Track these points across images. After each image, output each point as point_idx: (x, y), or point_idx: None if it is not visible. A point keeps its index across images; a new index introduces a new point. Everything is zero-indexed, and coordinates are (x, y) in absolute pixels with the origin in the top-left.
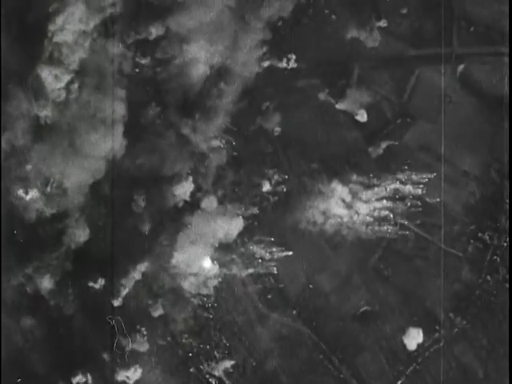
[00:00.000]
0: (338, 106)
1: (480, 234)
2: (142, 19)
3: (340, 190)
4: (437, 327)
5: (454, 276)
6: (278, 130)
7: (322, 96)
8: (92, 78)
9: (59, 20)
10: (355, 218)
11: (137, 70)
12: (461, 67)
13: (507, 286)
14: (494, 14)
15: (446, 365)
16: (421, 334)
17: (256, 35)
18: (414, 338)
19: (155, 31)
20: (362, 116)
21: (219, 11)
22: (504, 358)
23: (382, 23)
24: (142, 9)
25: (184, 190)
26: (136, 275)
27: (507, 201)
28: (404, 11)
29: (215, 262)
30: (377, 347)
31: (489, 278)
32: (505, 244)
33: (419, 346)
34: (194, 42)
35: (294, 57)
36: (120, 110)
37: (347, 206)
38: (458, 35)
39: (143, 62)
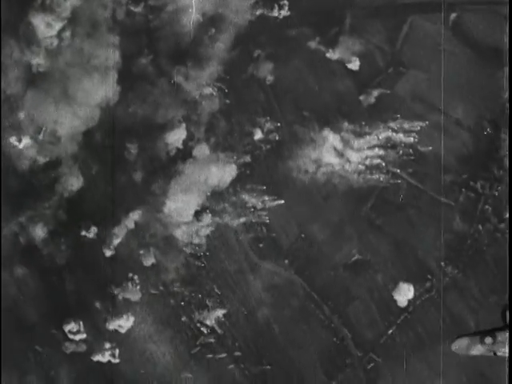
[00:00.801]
0: (329, 55)
1: (472, 183)
2: None
3: (331, 138)
4: (429, 276)
5: (446, 225)
6: (270, 78)
7: (313, 44)
8: (85, 25)
9: None
10: (347, 166)
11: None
12: (453, 16)
13: (498, 235)
14: None
15: (436, 314)
16: (412, 290)
17: None
18: (404, 294)
19: None
20: (354, 64)
21: None
22: (495, 307)
23: None
24: None
25: (176, 137)
26: (128, 224)
27: (505, 152)
28: None
29: (207, 210)
30: (368, 297)
31: (480, 227)
32: (496, 193)
33: (410, 301)
34: None
35: (286, 3)
36: (114, 56)
37: (339, 155)
38: None
39: (136, 9)
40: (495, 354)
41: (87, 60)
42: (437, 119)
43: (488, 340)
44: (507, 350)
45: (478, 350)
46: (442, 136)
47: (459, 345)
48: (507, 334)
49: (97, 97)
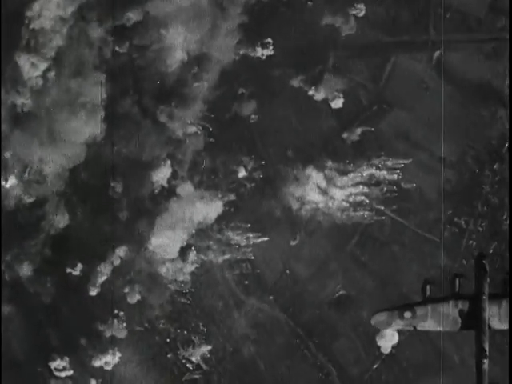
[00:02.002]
0: (312, 93)
1: (456, 219)
2: (119, 5)
3: (315, 175)
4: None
5: (431, 261)
6: (253, 117)
7: (297, 83)
8: (71, 64)
9: (36, 6)
10: (330, 203)
11: (115, 56)
12: (437, 54)
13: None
14: (471, 1)
15: (421, 349)
16: (396, 336)
17: (233, 20)
18: (389, 341)
19: (133, 17)
20: (338, 102)
21: None
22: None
23: (359, 11)
24: None
25: (161, 175)
26: (114, 261)
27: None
28: None
29: (192, 248)
30: (353, 333)
31: (464, 262)
32: (480, 229)
33: (394, 346)
34: (172, 27)
35: (271, 41)
36: (101, 94)
37: (322, 192)
38: (433, 22)
39: (121, 48)
40: (415, 328)
41: (74, 98)
42: (420, 156)
43: (407, 314)
44: (427, 325)
45: (397, 324)
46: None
47: (378, 319)
48: (427, 308)
49: (84, 135)
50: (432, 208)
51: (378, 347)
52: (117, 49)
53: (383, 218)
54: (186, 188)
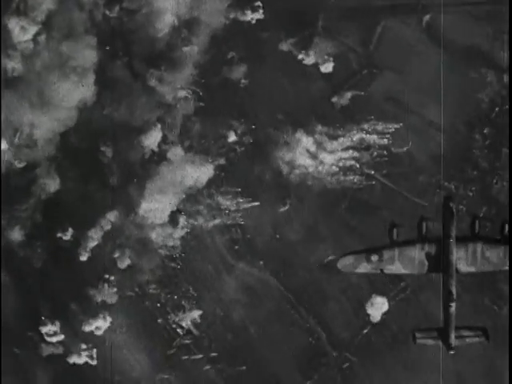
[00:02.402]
0: (301, 57)
1: (446, 184)
2: None
3: (305, 140)
4: (403, 276)
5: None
6: (244, 81)
7: (287, 47)
8: (61, 27)
9: None
10: (320, 168)
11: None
12: (427, 18)
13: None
14: None
15: (411, 313)
16: (386, 304)
17: None
18: (379, 308)
19: None
20: (328, 66)
21: None
22: (467, 305)
23: None
24: None
25: (152, 140)
26: (105, 226)
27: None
28: None
29: (182, 212)
30: (343, 297)
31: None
32: (470, 194)
33: (384, 314)
34: None
35: (260, 5)
36: (91, 57)
37: (312, 157)
38: None
39: (111, 12)
40: (382, 271)
41: (65, 62)
42: (411, 121)
43: (374, 258)
44: (394, 268)
45: (364, 267)
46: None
47: (345, 263)
48: (394, 251)
49: (75, 98)
50: (422, 172)
51: (368, 315)
52: (107, 13)
53: (373, 182)
54: (176, 152)
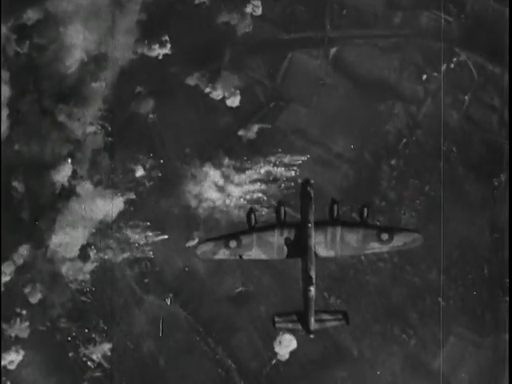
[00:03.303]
0: (208, 90)
1: (354, 215)
2: (19, 2)
3: (212, 173)
4: None
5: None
6: (151, 116)
7: (193, 81)
8: None
9: None
10: (228, 201)
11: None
12: (333, 50)
13: (381, 265)
14: None
15: (321, 343)
16: (294, 342)
17: (132, 17)
18: (286, 346)
19: (33, 15)
20: (234, 101)
21: None
22: (378, 335)
23: (255, 8)
24: None
25: (62, 175)
26: (17, 260)
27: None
28: None
29: (92, 247)
30: (252, 328)
31: (363, 258)
32: (378, 224)
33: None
34: (71, 26)
35: (168, 39)
36: (4, 92)
37: (220, 190)
38: (330, 18)
39: (22, 47)
40: (241, 257)
41: None
42: (317, 152)
43: (233, 244)
44: (253, 253)
45: (222, 253)
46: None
47: (204, 249)
48: (253, 237)
49: None
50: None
51: (276, 354)
52: (17, 49)
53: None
54: (85, 187)
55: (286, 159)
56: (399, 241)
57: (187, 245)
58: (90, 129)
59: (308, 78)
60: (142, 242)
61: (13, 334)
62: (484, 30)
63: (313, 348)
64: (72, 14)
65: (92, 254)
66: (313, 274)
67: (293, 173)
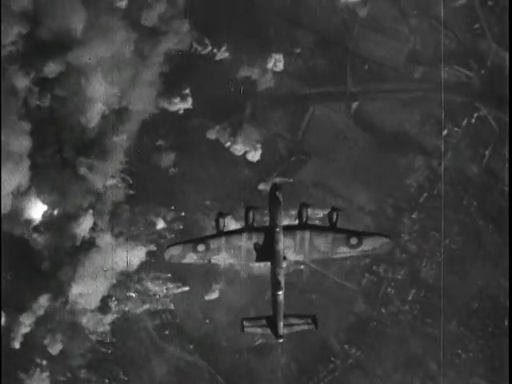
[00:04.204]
0: (229, 144)
1: (374, 267)
2: (41, 56)
3: (233, 226)
4: (332, 358)
5: (349, 309)
6: (172, 169)
7: (214, 135)
8: None
9: None
10: None
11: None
12: (355, 104)
13: (401, 317)
14: (388, 51)
15: None
16: None
17: (154, 69)
18: None
19: (54, 68)
20: (255, 155)
21: (119, 46)
22: None
23: (276, 62)
24: (42, 46)
25: (83, 226)
26: (37, 311)
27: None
28: (298, 50)
29: (113, 298)
30: (273, 377)
31: (383, 309)
32: (398, 277)
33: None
34: (93, 79)
35: (189, 93)
36: (26, 143)
37: None
38: (352, 73)
39: (43, 100)
40: (209, 261)
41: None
42: (339, 205)
43: (201, 247)
44: (221, 257)
45: (191, 258)
46: None
47: (172, 253)
48: (221, 241)
49: (11, 185)
50: (350, 257)
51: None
52: (38, 103)
53: (302, 267)
54: (105, 239)
55: (309, 212)
56: (368, 245)
57: (206, 298)
58: (111, 181)
59: (329, 131)
60: (162, 294)
61: None
62: (504, 85)
63: None
64: (94, 67)
65: (113, 305)
66: (281, 278)
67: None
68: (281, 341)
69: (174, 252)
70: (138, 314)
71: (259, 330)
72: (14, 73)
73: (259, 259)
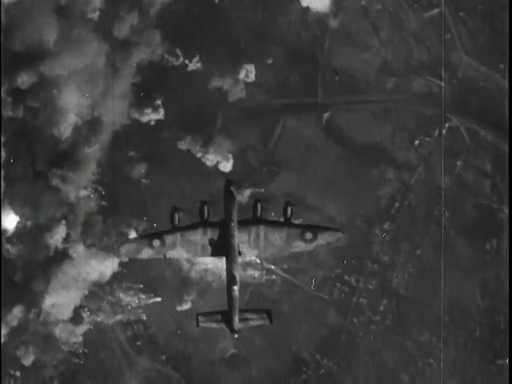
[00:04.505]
0: (200, 155)
1: (346, 278)
2: (14, 67)
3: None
4: (304, 368)
5: (321, 319)
6: (144, 180)
7: (186, 146)
8: None
9: None
10: (220, 264)
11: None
12: (326, 116)
13: (373, 327)
14: (358, 63)
15: None
16: None
17: (126, 80)
18: None
19: (27, 79)
20: (226, 165)
21: (91, 58)
22: None
23: (248, 75)
24: (14, 57)
25: (56, 237)
26: (10, 322)
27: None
28: (269, 61)
29: (86, 309)
30: None
31: (355, 320)
32: (370, 287)
33: None
34: (65, 90)
35: (160, 104)
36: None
37: None
38: (322, 84)
39: (16, 111)
40: (165, 256)
41: None
42: (310, 217)
43: (156, 243)
44: (177, 253)
45: (146, 253)
46: None
47: (127, 249)
48: (176, 236)
49: None
50: (322, 266)
51: None
52: (11, 114)
53: (273, 277)
54: (78, 250)
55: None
56: (323, 239)
57: (178, 309)
58: (84, 192)
59: (301, 143)
60: (134, 305)
61: None
62: (476, 96)
63: None
64: (66, 78)
65: (85, 315)
66: (236, 273)
67: None
68: (236, 336)
69: (130, 248)
70: (111, 325)
71: (214, 325)
72: None
73: (214, 254)
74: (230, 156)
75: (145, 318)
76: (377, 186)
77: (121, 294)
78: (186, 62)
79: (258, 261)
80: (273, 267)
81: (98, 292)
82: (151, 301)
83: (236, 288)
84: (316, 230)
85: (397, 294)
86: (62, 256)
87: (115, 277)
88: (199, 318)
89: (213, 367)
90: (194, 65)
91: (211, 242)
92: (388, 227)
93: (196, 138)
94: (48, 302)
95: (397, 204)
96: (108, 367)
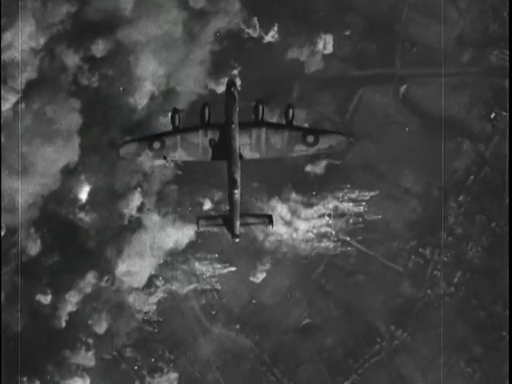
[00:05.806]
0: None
1: (421, 250)
2: (89, 36)
3: (279, 207)
4: (378, 339)
5: (395, 290)
6: None
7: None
8: (45, 92)
9: (7, 36)
10: (295, 235)
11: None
12: (403, 87)
13: (448, 299)
14: (436, 34)
15: (386, 375)
16: None
17: (204, 48)
18: None
19: (102, 47)
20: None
21: (169, 25)
22: (441, 369)
23: (326, 47)
24: (89, 26)
25: (130, 206)
26: (83, 289)
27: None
28: (347, 32)
29: (160, 277)
30: (318, 358)
31: (429, 291)
32: (445, 259)
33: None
34: (142, 57)
35: (237, 73)
36: (76, 120)
37: (287, 224)
38: (400, 56)
39: (92, 78)
40: (165, 158)
41: (48, 126)
42: (386, 188)
43: (156, 145)
44: (177, 154)
45: (146, 154)
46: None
47: (127, 150)
48: (176, 138)
49: (61, 162)
50: (397, 238)
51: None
52: (85, 82)
53: (348, 248)
54: (152, 218)
55: (354, 195)
56: (325, 143)
57: (252, 279)
58: (159, 162)
59: (377, 114)
60: (208, 274)
61: (78, 362)
62: None
63: (377, 376)
64: (144, 45)
65: (159, 284)
66: (238, 176)
67: (361, 208)
68: (237, 240)
69: (130, 149)
70: (185, 294)
71: (215, 229)
72: (63, 51)
73: (215, 157)
74: (306, 126)
75: (219, 287)
76: (453, 158)
77: (195, 263)
78: (262, 34)
79: (333, 232)
80: (348, 238)
81: (172, 261)
82: (226, 270)
83: (237, 192)
84: (318, 133)
85: (471, 266)
86: (136, 224)
87: (190, 246)
88: (200, 221)
89: (286, 336)
90: (272, 36)
91: (211, 144)
92: (463, 199)
93: (272, 109)
94: (121, 269)
95: (472, 176)
96: (182, 335)
